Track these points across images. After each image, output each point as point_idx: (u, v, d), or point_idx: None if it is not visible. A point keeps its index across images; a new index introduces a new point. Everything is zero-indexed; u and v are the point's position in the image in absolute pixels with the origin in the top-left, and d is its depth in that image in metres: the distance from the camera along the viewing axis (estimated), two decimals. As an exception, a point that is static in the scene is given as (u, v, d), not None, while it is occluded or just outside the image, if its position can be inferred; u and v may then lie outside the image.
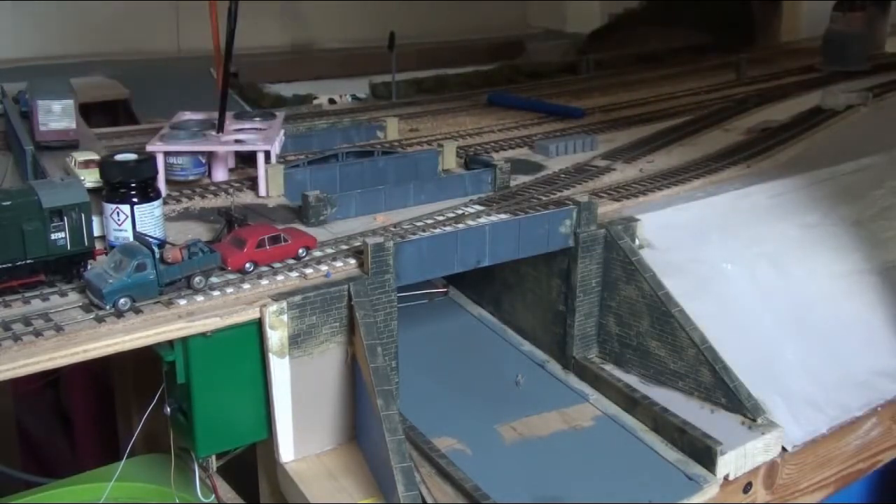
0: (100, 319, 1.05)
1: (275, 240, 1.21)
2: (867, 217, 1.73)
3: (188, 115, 1.58)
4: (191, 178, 1.47)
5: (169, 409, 1.18)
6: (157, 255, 1.10)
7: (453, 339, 1.55)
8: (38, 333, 1.01)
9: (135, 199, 1.20)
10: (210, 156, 1.52)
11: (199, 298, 1.12)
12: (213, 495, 1.24)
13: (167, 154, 1.45)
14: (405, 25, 2.35)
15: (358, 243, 1.29)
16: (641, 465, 1.24)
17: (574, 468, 1.23)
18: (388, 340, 1.21)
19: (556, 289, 1.44)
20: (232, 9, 1.36)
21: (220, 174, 1.52)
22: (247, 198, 1.50)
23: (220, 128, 1.47)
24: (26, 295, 1.10)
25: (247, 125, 1.57)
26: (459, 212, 1.44)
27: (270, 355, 1.13)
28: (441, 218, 1.41)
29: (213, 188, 1.52)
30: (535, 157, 1.81)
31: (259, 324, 1.12)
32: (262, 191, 1.51)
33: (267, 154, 1.50)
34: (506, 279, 1.54)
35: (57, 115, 1.45)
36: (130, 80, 2.24)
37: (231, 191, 1.52)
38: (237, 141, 1.51)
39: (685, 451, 1.25)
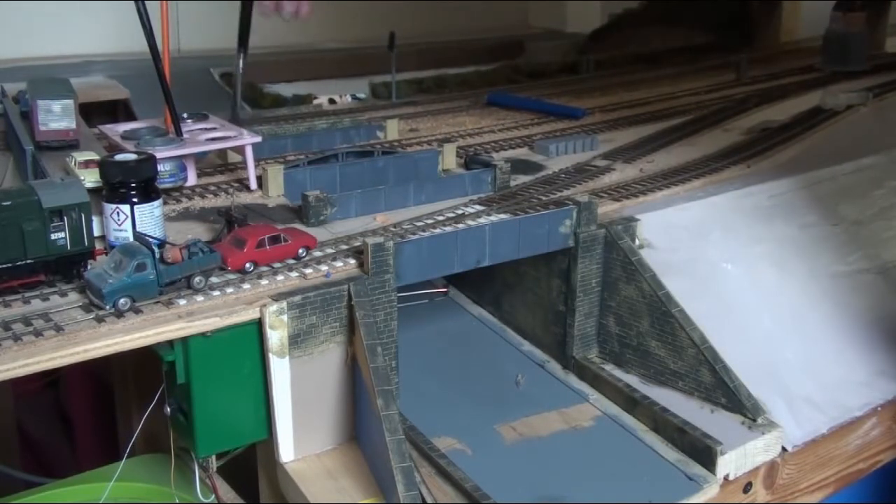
0: (100, 319, 1.05)
1: (275, 240, 1.21)
2: (867, 217, 1.73)
3: (123, 126, 1.55)
4: (179, 183, 1.47)
5: (169, 409, 1.18)
6: (157, 255, 1.10)
7: (453, 339, 1.55)
8: (38, 333, 1.01)
9: (135, 199, 1.20)
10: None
11: (199, 298, 1.12)
12: (213, 495, 1.24)
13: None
14: (405, 25, 2.34)
15: (358, 243, 1.29)
16: (641, 465, 1.24)
17: (574, 468, 1.23)
18: (388, 340, 1.21)
19: (556, 289, 1.44)
20: (141, 9, 1.36)
21: (192, 177, 1.52)
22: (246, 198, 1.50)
23: (179, 131, 1.47)
24: (26, 295, 1.10)
25: (199, 126, 1.56)
26: (459, 212, 1.44)
27: (270, 355, 1.13)
28: (441, 218, 1.41)
29: (213, 188, 1.52)
30: (535, 157, 1.81)
31: (259, 324, 1.12)
32: (253, 184, 1.51)
33: (254, 146, 1.50)
34: (506, 279, 1.54)
35: (57, 115, 1.45)
36: (130, 80, 2.24)
37: (231, 191, 1.53)
38: (218, 139, 1.50)
39: (685, 451, 1.25)
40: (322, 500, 1.13)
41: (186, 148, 1.45)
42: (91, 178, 1.27)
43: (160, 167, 1.33)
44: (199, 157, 1.58)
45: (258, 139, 1.50)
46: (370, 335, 1.16)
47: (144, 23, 1.37)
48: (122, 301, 1.07)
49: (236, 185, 1.55)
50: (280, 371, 1.14)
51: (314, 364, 1.17)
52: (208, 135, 1.51)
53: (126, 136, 1.47)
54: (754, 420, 1.28)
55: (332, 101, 2.33)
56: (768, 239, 1.57)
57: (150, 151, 1.28)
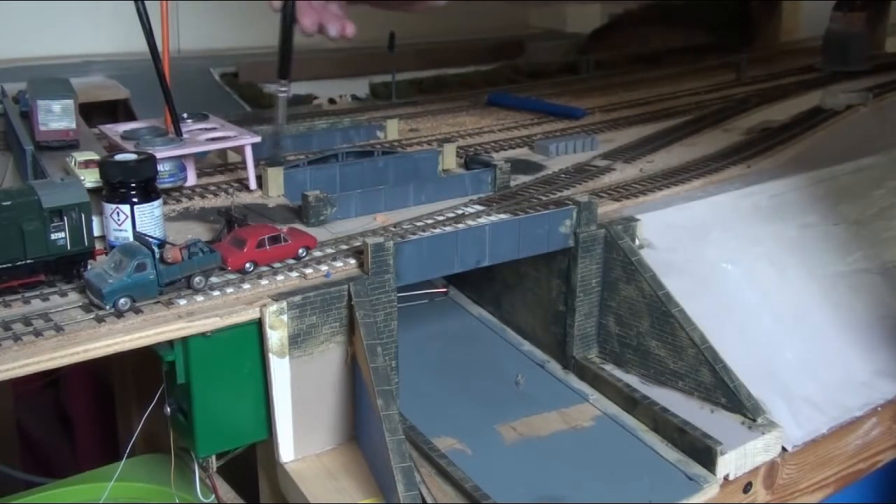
0: (100, 319, 1.05)
1: (275, 240, 1.21)
2: (867, 217, 1.73)
3: (123, 126, 1.54)
4: (178, 183, 1.48)
5: (169, 409, 1.18)
6: (157, 255, 1.10)
7: (453, 339, 1.55)
8: (38, 333, 1.01)
9: (135, 199, 1.20)
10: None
11: (199, 298, 1.12)
12: (213, 495, 1.24)
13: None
14: (405, 25, 2.34)
15: (358, 243, 1.29)
16: (641, 465, 1.24)
17: (574, 468, 1.23)
18: (388, 340, 1.21)
19: (556, 289, 1.44)
20: (141, 9, 1.36)
21: (192, 177, 1.52)
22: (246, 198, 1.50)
23: (179, 131, 1.47)
24: (26, 295, 1.10)
25: (199, 126, 1.56)
26: (459, 212, 1.44)
27: (270, 355, 1.13)
28: (441, 218, 1.41)
29: (213, 188, 1.52)
30: (535, 157, 1.81)
31: (259, 324, 1.12)
32: (253, 184, 1.51)
33: (254, 146, 1.50)
34: (506, 279, 1.54)
35: (57, 115, 1.45)
36: (130, 80, 2.24)
37: (231, 191, 1.52)
38: (218, 139, 1.50)
39: (685, 451, 1.25)
40: (322, 500, 1.13)
41: (186, 148, 1.45)
42: (91, 178, 1.27)
43: (160, 167, 1.33)
44: (199, 157, 1.58)
45: (258, 139, 1.50)
46: (370, 335, 1.16)
47: (144, 23, 1.37)
48: (122, 301, 1.07)
49: (236, 185, 1.55)
50: (280, 371, 1.14)
51: (314, 364, 1.17)
52: (208, 135, 1.51)
53: (126, 136, 1.47)
54: (754, 420, 1.28)
55: (332, 101, 2.33)
56: (768, 239, 1.57)
57: (149, 151, 1.28)
